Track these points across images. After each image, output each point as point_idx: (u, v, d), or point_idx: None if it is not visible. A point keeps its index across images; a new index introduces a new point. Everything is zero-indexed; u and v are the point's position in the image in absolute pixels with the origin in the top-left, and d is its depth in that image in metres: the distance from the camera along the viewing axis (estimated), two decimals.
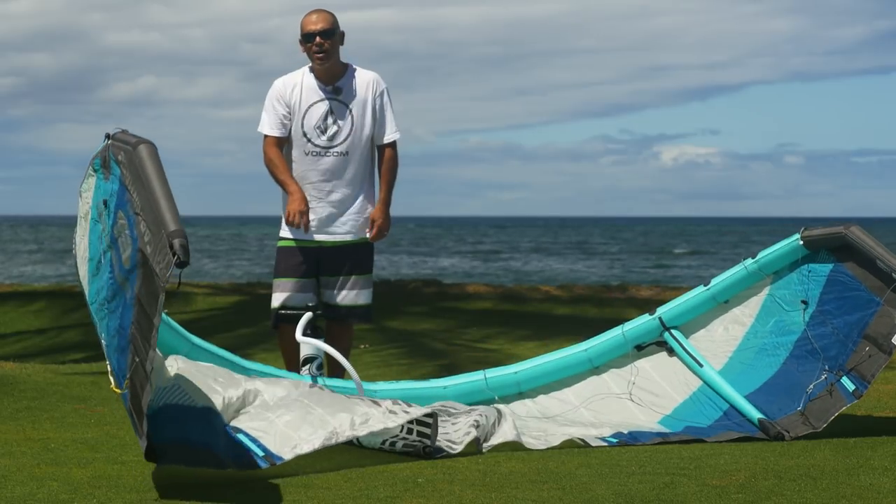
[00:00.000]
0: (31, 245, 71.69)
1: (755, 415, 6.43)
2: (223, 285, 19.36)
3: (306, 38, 6.98)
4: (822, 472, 5.38)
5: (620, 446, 6.18)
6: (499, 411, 6.31)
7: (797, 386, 6.48)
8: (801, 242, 6.71)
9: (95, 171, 5.35)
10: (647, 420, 6.61)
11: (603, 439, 6.27)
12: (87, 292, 5.34)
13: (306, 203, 6.99)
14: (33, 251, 63.81)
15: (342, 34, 7.05)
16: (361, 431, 5.63)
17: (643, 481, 5.22)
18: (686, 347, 6.89)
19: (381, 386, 6.75)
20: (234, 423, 5.52)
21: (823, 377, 6.40)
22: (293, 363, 6.96)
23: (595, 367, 6.99)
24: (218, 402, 5.55)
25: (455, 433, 6.07)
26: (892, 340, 6.24)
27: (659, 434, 6.33)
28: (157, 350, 5.22)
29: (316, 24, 6.97)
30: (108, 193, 5.16)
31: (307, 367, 6.72)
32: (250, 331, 14.10)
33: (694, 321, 7.00)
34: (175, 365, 5.63)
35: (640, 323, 7.02)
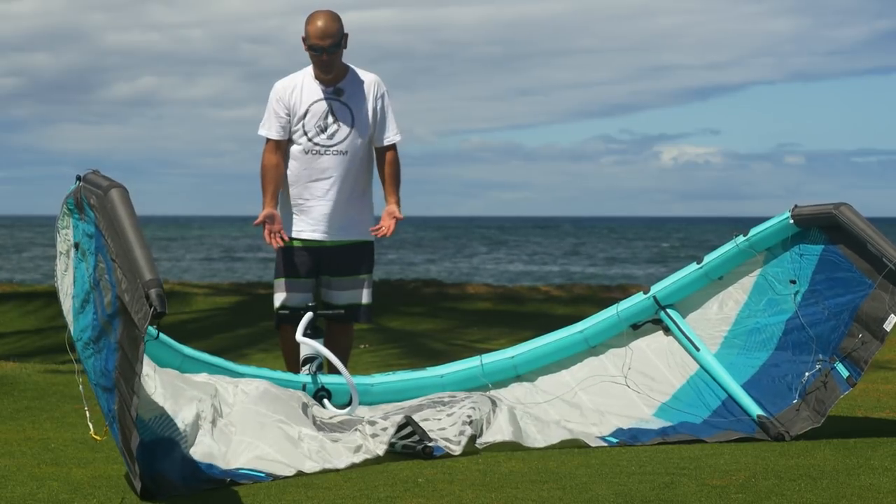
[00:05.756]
0: (38, 245, 71.59)
1: (755, 410, 6.42)
2: (223, 285, 19.36)
3: (312, 48, 6.95)
4: (822, 472, 5.38)
5: (620, 446, 6.18)
6: (493, 401, 6.28)
7: (791, 374, 6.43)
8: (792, 220, 6.60)
9: (70, 210, 5.23)
10: (646, 408, 6.59)
11: (603, 439, 6.27)
12: (71, 328, 5.22)
13: (277, 220, 6.99)
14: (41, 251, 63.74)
15: (346, 37, 6.98)
16: (358, 459, 5.70)
17: (643, 481, 5.22)
18: (682, 328, 6.84)
19: (378, 378, 6.73)
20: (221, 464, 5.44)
21: (818, 367, 6.33)
22: (293, 363, 6.96)
23: (592, 347, 6.94)
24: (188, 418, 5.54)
25: (451, 427, 6.08)
26: (885, 326, 6.11)
27: (658, 433, 6.32)
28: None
29: (323, 41, 6.88)
30: (86, 234, 5.06)
31: (307, 366, 6.72)
32: (249, 331, 14.10)
33: (688, 299, 6.92)
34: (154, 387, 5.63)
35: (635, 302, 6.94)
